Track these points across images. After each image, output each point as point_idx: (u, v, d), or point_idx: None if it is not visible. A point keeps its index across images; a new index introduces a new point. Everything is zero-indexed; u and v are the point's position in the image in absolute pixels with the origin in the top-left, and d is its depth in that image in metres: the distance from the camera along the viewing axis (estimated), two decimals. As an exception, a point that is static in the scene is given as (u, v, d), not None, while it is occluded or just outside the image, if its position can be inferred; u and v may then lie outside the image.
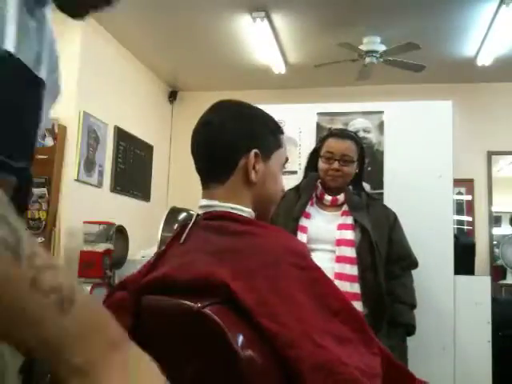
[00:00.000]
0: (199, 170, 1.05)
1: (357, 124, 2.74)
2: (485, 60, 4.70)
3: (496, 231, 5.16)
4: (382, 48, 4.35)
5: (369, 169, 2.59)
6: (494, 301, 2.60)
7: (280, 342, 0.72)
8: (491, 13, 3.91)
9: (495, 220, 5.21)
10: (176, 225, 3.10)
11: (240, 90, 5.41)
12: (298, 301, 0.79)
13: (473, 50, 4.63)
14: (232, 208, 0.97)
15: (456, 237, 2.69)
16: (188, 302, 0.78)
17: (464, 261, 2.87)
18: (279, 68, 4.97)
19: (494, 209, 5.20)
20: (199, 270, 0.83)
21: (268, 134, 1.03)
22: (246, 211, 0.98)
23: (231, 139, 0.99)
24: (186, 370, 0.78)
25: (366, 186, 2.36)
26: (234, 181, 0.99)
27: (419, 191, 2.59)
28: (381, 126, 2.72)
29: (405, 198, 2.53)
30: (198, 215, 0.99)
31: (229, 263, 0.83)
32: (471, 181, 5.22)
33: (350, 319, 0.82)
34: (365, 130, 2.73)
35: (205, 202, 1.00)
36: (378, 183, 2.65)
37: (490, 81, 5.20)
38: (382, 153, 2.69)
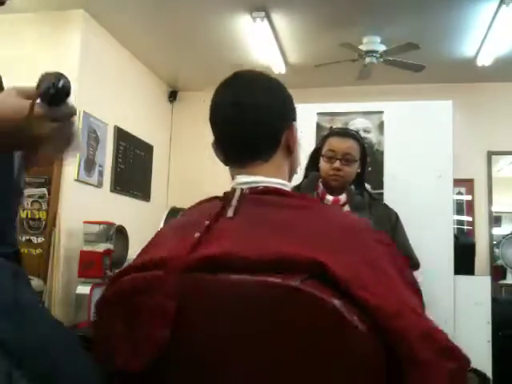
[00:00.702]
0: (234, 149, 0.99)
1: (357, 124, 2.73)
2: (485, 60, 4.70)
3: (496, 231, 5.16)
4: (382, 48, 4.35)
5: (369, 169, 2.59)
6: (494, 301, 2.60)
7: (382, 313, 0.72)
8: (491, 13, 3.91)
9: (495, 220, 5.21)
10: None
11: (240, 90, 5.42)
12: (389, 273, 0.80)
13: (473, 50, 4.63)
14: (279, 183, 0.96)
15: (456, 237, 2.69)
16: (279, 281, 0.75)
17: (464, 261, 2.86)
18: (279, 68, 4.97)
19: (493, 209, 5.20)
20: (272, 246, 0.79)
21: (294, 105, 1.03)
22: (289, 186, 0.99)
23: (277, 118, 0.98)
24: (270, 350, 0.74)
25: (367, 186, 2.36)
26: (277, 156, 0.98)
27: (419, 191, 2.59)
28: (381, 126, 2.72)
29: (405, 198, 2.53)
30: (241, 190, 0.93)
31: (300, 238, 0.81)
32: (471, 181, 5.22)
33: (419, 295, 0.85)
34: (365, 130, 2.73)
35: (246, 178, 0.96)
36: (378, 183, 2.64)
37: (490, 81, 5.19)
38: (381, 153, 2.69)
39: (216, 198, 0.98)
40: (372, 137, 2.72)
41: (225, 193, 0.96)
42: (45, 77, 0.76)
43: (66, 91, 0.78)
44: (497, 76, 5.07)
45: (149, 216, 4.95)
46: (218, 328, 0.79)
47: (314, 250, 0.77)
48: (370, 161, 2.54)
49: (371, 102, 3.00)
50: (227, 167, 1.02)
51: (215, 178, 4.69)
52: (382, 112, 2.73)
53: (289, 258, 0.77)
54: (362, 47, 4.33)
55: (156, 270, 0.83)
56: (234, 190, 0.94)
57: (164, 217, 3.94)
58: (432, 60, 4.55)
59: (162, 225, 3.43)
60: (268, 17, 4.11)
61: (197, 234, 0.86)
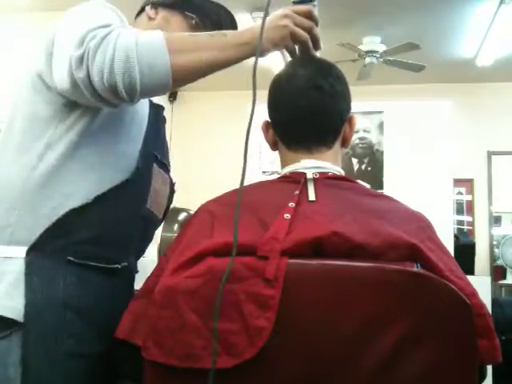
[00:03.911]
0: (302, 132, 0.96)
1: (357, 124, 2.73)
2: (485, 60, 4.70)
3: (496, 231, 5.16)
4: (382, 48, 4.35)
5: (369, 169, 2.59)
6: (495, 302, 2.60)
7: (465, 293, 0.75)
8: (491, 13, 3.91)
9: (495, 220, 5.21)
10: (176, 225, 3.09)
11: (240, 90, 5.41)
12: (454, 260, 0.87)
13: (473, 50, 4.63)
14: (340, 172, 0.97)
15: (456, 237, 2.69)
16: (399, 267, 0.75)
17: (464, 261, 2.86)
18: (279, 68, 4.95)
19: (493, 209, 5.20)
20: (379, 229, 0.80)
21: None
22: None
23: (346, 107, 0.99)
24: (388, 333, 0.72)
25: (366, 186, 2.36)
26: (336, 146, 0.98)
27: (419, 191, 2.59)
28: (381, 126, 2.72)
29: (405, 198, 2.53)
30: (314, 174, 0.91)
31: (394, 223, 0.83)
32: (471, 181, 5.22)
33: None
34: (365, 130, 2.73)
35: (314, 163, 0.94)
36: (378, 183, 2.64)
37: (490, 81, 5.19)
38: (381, 153, 2.69)
39: (277, 179, 0.95)
40: (372, 137, 2.72)
41: (290, 175, 0.93)
42: None
43: None
44: (497, 76, 5.07)
45: (149, 216, 4.94)
46: (330, 317, 0.73)
47: (409, 236, 0.80)
48: (369, 161, 2.54)
49: (371, 101, 3.00)
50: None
51: (215, 178, 4.70)
52: (381, 112, 2.73)
53: (397, 241, 0.78)
54: (362, 47, 4.33)
55: (240, 256, 0.74)
56: (302, 174, 0.91)
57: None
58: (432, 60, 4.55)
59: (162, 225, 3.42)
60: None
61: (287, 216, 0.80)
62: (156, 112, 1.09)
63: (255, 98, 0.82)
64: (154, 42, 0.82)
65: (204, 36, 0.90)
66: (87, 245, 0.93)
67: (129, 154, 0.98)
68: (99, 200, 0.93)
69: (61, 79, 0.85)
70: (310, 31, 0.93)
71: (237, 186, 0.97)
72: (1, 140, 0.98)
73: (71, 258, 0.91)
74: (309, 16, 0.93)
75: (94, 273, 0.94)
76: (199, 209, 0.94)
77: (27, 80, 0.96)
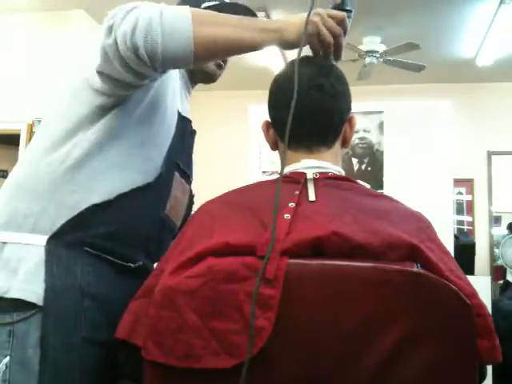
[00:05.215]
0: (303, 131, 0.94)
1: (357, 124, 2.73)
2: (485, 60, 4.70)
3: (496, 231, 5.16)
4: (382, 48, 4.35)
5: (369, 169, 2.59)
6: (495, 305, 2.59)
7: (465, 293, 0.76)
8: (491, 13, 3.91)
9: (495, 220, 5.21)
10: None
11: (240, 90, 5.42)
12: (454, 260, 0.86)
13: (473, 50, 4.63)
14: (340, 172, 0.96)
15: (456, 237, 2.69)
16: (398, 267, 0.75)
17: (464, 261, 2.86)
18: (279, 68, 4.96)
19: (493, 209, 5.20)
20: (379, 229, 0.79)
21: None
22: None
23: (347, 107, 0.99)
24: (388, 333, 0.72)
25: (366, 186, 2.36)
26: (336, 146, 0.98)
27: (419, 191, 2.59)
28: (381, 126, 2.72)
29: (405, 198, 2.53)
30: (314, 174, 0.91)
31: (394, 223, 0.83)
32: (471, 181, 5.22)
33: None
34: (365, 130, 2.73)
35: (314, 162, 0.94)
36: (378, 183, 2.65)
37: (490, 81, 5.20)
38: (381, 153, 2.69)
39: (276, 179, 0.93)
40: (372, 137, 2.72)
41: (290, 175, 0.93)
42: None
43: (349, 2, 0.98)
44: (497, 76, 5.07)
45: (149, 216, 4.94)
46: (330, 317, 0.73)
47: (409, 236, 0.80)
48: (369, 161, 2.54)
49: (371, 101, 3.00)
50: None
51: (215, 178, 4.70)
52: (381, 112, 2.73)
53: (397, 241, 0.78)
54: (362, 47, 4.33)
55: (238, 256, 0.75)
56: (302, 174, 0.91)
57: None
58: (432, 60, 4.55)
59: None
60: (268, 17, 4.11)
61: (287, 216, 0.80)
62: (183, 124, 1.14)
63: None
64: (179, 12, 0.86)
65: (231, 15, 0.92)
66: (104, 239, 0.97)
67: (154, 158, 1.03)
68: (120, 199, 0.97)
69: (95, 57, 0.91)
70: (336, 37, 0.96)
71: (237, 185, 0.98)
72: (36, 135, 1.03)
73: (88, 249, 0.95)
74: (340, 23, 0.95)
75: (108, 266, 0.98)
76: (199, 209, 0.94)
77: (74, 82, 1.01)
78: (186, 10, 0.87)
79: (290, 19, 0.92)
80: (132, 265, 1.02)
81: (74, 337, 0.90)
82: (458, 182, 3.38)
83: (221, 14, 0.93)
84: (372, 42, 4.34)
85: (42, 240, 0.93)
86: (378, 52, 4.34)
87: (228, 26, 0.89)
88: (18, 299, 0.89)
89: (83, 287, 0.93)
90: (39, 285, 0.89)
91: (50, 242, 0.93)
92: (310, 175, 0.91)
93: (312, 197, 0.86)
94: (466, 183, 5.18)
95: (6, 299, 0.89)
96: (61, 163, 0.96)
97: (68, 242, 0.94)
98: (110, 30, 0.87)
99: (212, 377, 0.73)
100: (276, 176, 0.93)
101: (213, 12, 0.96)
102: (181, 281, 0.76)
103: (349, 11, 0.98)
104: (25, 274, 0.90)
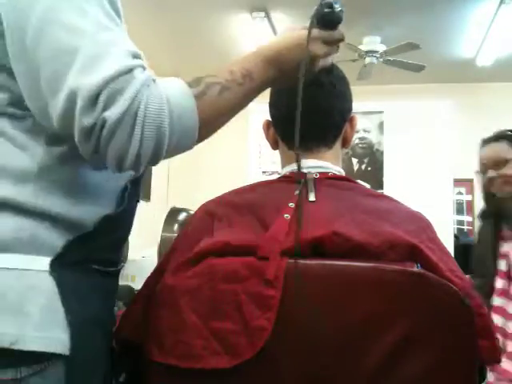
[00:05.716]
0: (303, 131, 0.92)
1: (357, 124, 2.74)
2: (485, 60, 4.70)
3: (496, 231, 5.16)
4: (382, 48, 4.35)
5: (369, 169, 2.60)
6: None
7: (463, 292, 0.76)
8: (491, 13, 3.91)
9: (495, 220, 5.21)
10: (176, 225, 3.09)
11: (240, 90, 5.41)
12: (454, 260, 0.85)
13: (473, 50, 4.63)
14: (341, 172, 0.96)
15: (456, 237, 2.69)
16: (399, 267, 0.75)
17: (464, 261, 2.86)
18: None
19: (494, 209, 5.20)
20: (381, 230, 0.79)
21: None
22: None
23: (348, 107, 0.98)
24: (388, 333, 0.72)
25: (366, 186, 2.36)
26: (336, 146, 0.98)
27: (419, 191, 2.59)
28: (381, 126, 2.72)
29: (404, 198, 2.53)
30: (314, 174, 0.91)
31: (396, 224, 0.82)
32: (471, 181, 5.22)
33: None
34: (365, 130, 2.73)
35: (315, 162, 0.93)
36: (378, 183, 2.65)
37: (490, 81, 5.20)
38: (381, 153, 2.69)
39: (277, 179, 0.94)
40: (372, 137, 2.72)
41: (290, 175, 0.92)
42: (322, 2, 0.88)
43: (339, 15, 0.90)
44: (497, 76, 5.07)
45: (149, 216, 4.95)
46: (330, 317, 0.73)
47: (409, 236, 0.79)
48: (369, 161, 2.55)
49: (371, 102, 3.01)
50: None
51: (215, 178, 4.69)
52: (381, 112, 2.73)
53: (397, 241, 0.77)
54: (362, 47, 4.33)
55: (238, 256, 0.75)
56: (303, 174, 0.89)
57: (164, 217, 3.93)
58: (432, 60, 4.55)
59: (162, 225, 3.43)
60: (268, 17, 4.11)
61: (286, 216, 0.80)
62: None
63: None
64: (186, 119, 0.73)
65: (234, 88, 0.78)
66: (106, 251, 0.82)
67: None
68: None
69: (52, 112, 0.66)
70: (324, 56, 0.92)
71: (237, 185, 0.97)
72: None
73: (96, 267, 0.77)
74: (337, 42, 0.93)
75: (112, 278, 0.86)
76: (199, 209, 0.93)
77: None
78: (192, 106, 0.73)
79: (286, 54, 0.84)
80: (118, 266, 0.89)
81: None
82: (457, 182, 3.38)
83: (222, 91, 0.79)
84: (372, 42, 4.34)
85: (44, 263, 0.70)
86: (377, 52, 4.34)
87: (230, 112, 0.80)
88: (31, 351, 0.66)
89: (104, 321, 0.79)
90: (62, 328, 0.68)
91: (53, 265, 0.71)
92: (310, 175, 0.90)
93: (312, 197, 0.86)
94: (466, 183, 5.17)
95: (10, 350, 0.64)
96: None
97: (73, 262, 0.73)
98: (91, 132, 0.61)
99: (212, 377, 0.73)
100: (276, 176, 0.92)
101: (214, 95, 0.80)
102: (181, 280, 0.76)
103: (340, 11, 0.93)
104: (39, 314, 0.67)
